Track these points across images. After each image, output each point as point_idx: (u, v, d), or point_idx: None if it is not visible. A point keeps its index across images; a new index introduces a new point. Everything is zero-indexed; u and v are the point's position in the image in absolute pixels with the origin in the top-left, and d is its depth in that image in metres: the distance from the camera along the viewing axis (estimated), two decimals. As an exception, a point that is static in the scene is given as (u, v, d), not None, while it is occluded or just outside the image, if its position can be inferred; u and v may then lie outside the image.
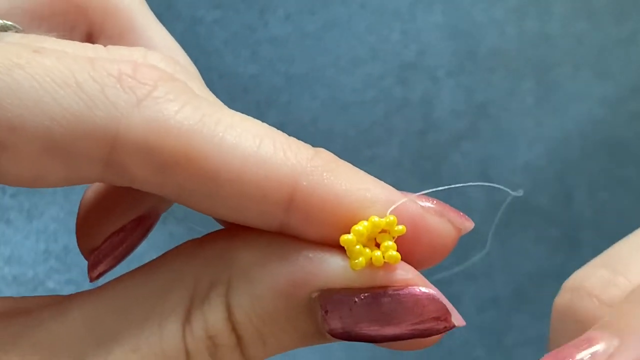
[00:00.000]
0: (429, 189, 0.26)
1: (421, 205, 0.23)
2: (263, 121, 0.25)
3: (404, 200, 0.23)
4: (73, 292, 0.24)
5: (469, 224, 0.24)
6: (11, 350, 0.22)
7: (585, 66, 0.51)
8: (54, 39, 0.23)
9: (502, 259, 0.52)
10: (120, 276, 0.24)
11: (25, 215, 0.48)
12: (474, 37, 0.52)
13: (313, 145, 0.23)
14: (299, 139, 0.23)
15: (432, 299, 0.23)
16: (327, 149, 0.23)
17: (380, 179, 0.24)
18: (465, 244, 0.53)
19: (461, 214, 0.24)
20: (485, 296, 0.53)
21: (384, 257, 0.23)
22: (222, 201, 0.22)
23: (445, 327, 0.23)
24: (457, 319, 0.24)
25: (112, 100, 0.21)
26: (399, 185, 0.24)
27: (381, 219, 0.22)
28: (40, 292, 0.44)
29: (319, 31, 0.51)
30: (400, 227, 0.23)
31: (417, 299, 0.23)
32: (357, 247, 0.22)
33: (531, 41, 0.51)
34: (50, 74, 0.21)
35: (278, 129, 0.24)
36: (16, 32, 0.25)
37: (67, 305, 0.23)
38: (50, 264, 0.49)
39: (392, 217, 0.23)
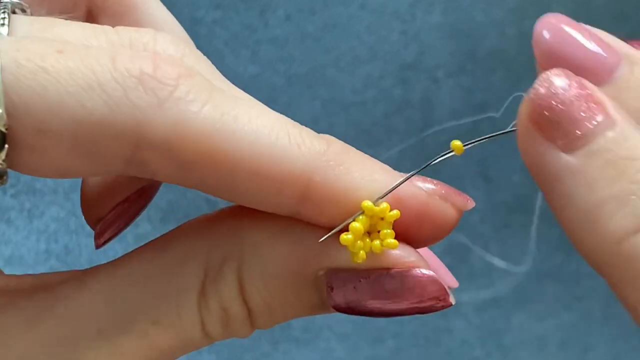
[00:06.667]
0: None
1: (425, 190, 0.24)
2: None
3: (395, 185, 0.24)
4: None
5: (470, 204, 0.25)
6: (37, 325, 0.23)
7: (585, 66, 0.51)
8: (64, 22, 0.23)
9: (502, 259, 0.52)
10: (135, 250, 0.25)
11: (26, 215, 0.48)
12: (474, 37, 0.52)
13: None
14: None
15: (432, 280, 0.24)
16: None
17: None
18: (465, 243, 0.53)
19: (463, 195, 0.24)
20: (485, 296, 0.53)
21: (382, 245, 0.23)
22: (239, 193, 0.23)
23: (444, 306, 0.24)
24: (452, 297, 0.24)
25: (135, 103, 0.21)
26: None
27: (375, 208, 0.23)
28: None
29: (319, 31, 0.51)
30: (394, 211, 0.23)
31: (419, 280, 0.24)
32: (358, 243, 0.23)
33: (531, 41, 0.51)
34: (74, 76, 0.21)
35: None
36: (22, 10, 0.25)
37: (87, 280, 0.24)
38: (51, 263, 0.49)
39: (384, 204, 0.23)
